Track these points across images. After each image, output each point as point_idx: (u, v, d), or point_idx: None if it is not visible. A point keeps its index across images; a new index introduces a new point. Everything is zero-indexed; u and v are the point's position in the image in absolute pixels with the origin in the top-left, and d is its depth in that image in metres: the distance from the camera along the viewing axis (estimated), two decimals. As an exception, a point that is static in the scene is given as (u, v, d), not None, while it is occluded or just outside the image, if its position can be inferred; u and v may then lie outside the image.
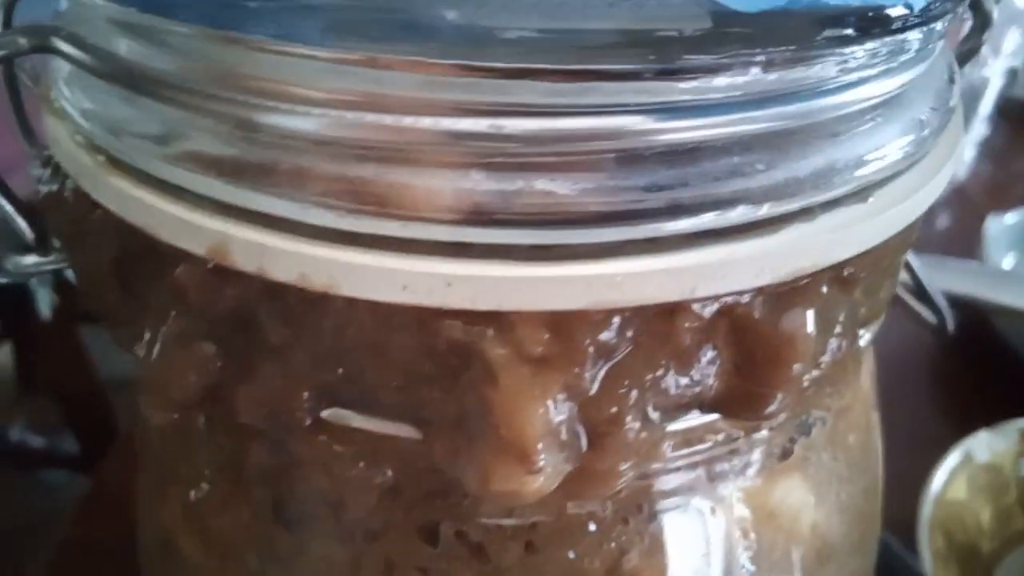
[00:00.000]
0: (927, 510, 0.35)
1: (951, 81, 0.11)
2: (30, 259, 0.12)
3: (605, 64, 0.08)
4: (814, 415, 0.12)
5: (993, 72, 0.60)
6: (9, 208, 0.12)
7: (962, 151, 0.11)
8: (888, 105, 0.09)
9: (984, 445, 0.38)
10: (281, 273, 0.08)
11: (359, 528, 0.11)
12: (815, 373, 0.10)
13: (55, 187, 0.12)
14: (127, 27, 0.09)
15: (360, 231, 0.08)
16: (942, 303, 0.19)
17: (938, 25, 0.10)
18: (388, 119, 0.08)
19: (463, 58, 0.07)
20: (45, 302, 0.92)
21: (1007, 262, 0.54)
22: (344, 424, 0.10)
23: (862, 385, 0.14)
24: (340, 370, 0.09)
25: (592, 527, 0.11)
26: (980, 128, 0.62)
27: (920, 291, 0.18)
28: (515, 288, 0.08)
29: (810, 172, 0.09)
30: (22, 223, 0.12)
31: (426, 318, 0.08)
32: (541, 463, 0.09)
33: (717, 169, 0.08)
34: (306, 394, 0.10)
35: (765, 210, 0.09)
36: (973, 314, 0.37)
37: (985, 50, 0.64)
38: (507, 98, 0.08)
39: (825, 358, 0.10)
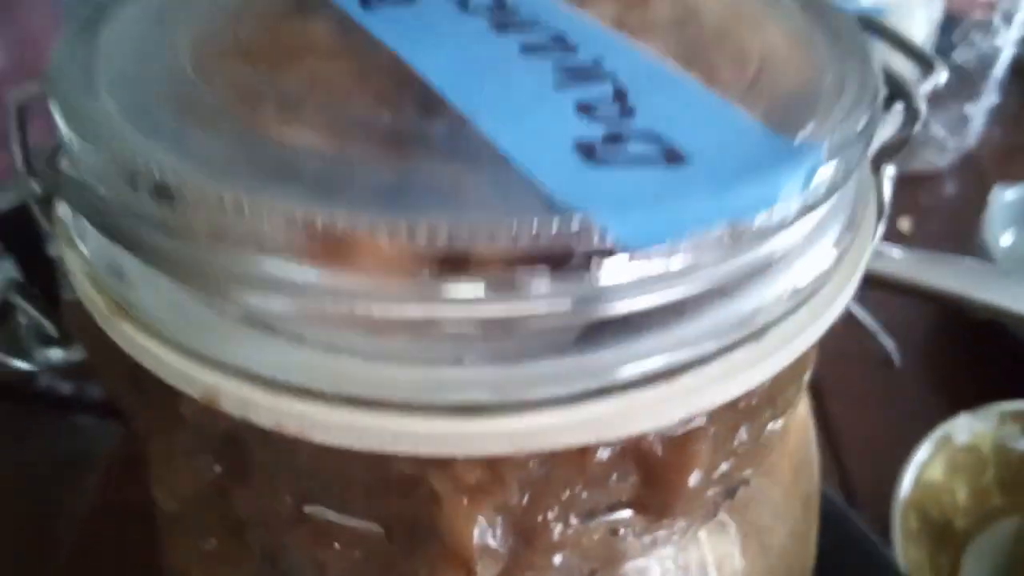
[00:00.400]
0: (903, 491, 0.37)
1: (856, 206, 0.13)
2: (55, 352, 0.14)
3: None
4: (738, 483, 0.14)
5: (1005, 41, 0.59)
6: (35, 312, 0.14)
7: (858, 278, 0.13)
8: (780, 260, 0.11)
9: (964, 427, 0.39)
10: (262, 420, 0.10)
11: (342, 582, 0.14)
12: (721, 470, 0.12)
13: (75, 296, 0.13)
14: (122, 200, 0.11)
15: (325, 391, 0.10)
16: (887, 342, 0.20)
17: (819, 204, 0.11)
18: (343, 306, 0.10)
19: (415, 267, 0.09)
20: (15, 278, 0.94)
21: (1005, 239, 0.54)
22: (321, 518, 0.12)
23: (789, 444, 0.16)
24: (314, 483, 0.11)
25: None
26: (991, 96, 0.61)
27: (867, 333, 0.20)
28: (450, 440, 0.10)
29: (702, 330, 0.10)
30: (47, 324, 0.14)
31: (381, 456, 0.10)
32: (478, 566, 0.11)
33: (614, 339, 0.10)
34: (288, 497, 0.12)
35: (660, 363, 0.10)
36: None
37: (997, 20, 0.64)
38: (443, 295, 0.09)
39: (727, 460, 0.12)
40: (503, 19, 0.13)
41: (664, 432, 0.11)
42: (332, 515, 0.12)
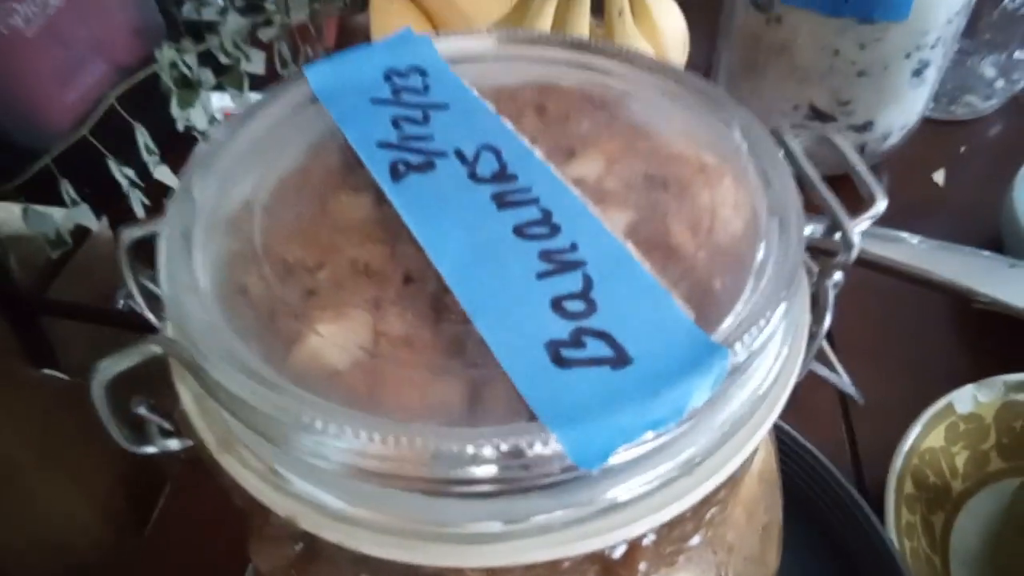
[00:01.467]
0: (898, 462, 0.40)
1: (784, 342, 0.16)
2: (173, 442, 0.19)
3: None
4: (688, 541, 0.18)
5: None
6: (157, 420, 0.18)
7: (777, 412, 0.16)
8: (703, 419, 0.15)
9: (968, 397, 0.42)
10: (329, 536, 0.15)
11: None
12: (669, 550, 0.16)
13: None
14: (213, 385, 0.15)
15: (374, 521, 0.14)
16: (849, 388, 0.24)
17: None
18: (382, 468, 0.14)
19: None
20: (138, 204, 1.00)
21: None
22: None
23: (742, 495, 0.20)
24: (368, 569, 0.16)
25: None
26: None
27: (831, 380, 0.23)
28: (458, 556, 0.14)
29: (648, 478, 0.14)
30: (166, 424, 0.18)
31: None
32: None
33: (585, 495, 0.14)
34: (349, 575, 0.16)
35: (607, 503, 0.14)
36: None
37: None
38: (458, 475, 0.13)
39: (673, 544, 0.16)
40: (503, 190, 0.17)
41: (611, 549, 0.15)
42: (384, 586, 0.16)
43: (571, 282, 0.15)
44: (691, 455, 0.15)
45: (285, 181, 0.18)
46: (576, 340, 0.14)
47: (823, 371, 0.22)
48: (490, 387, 0.14)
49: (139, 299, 0.19)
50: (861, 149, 0.55)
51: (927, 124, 0.61)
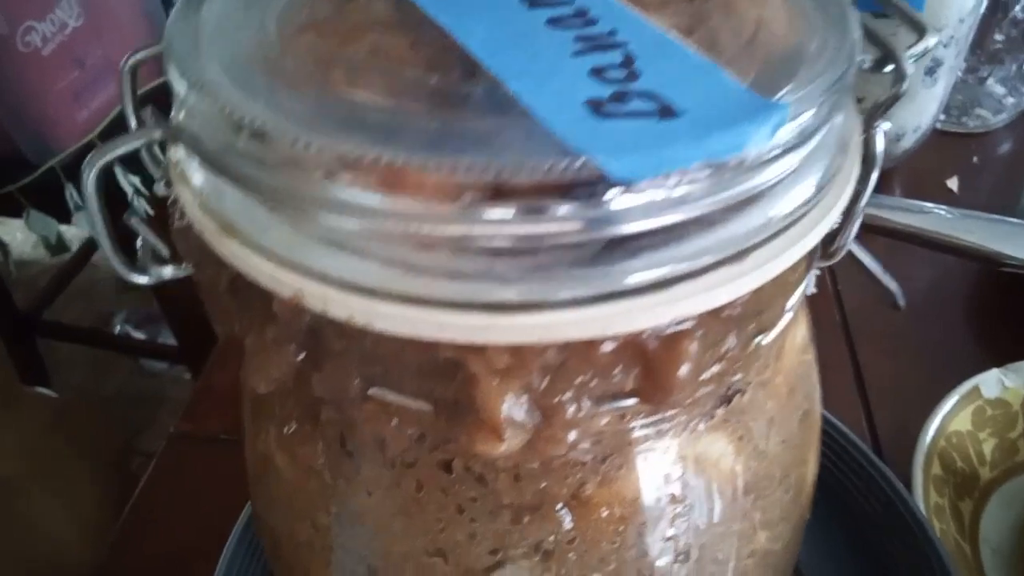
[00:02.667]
0: (926, 441, 0.38)
1: (835, 153, 0.15)
2: (167, 269, 0.17)
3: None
4: (733, 388, 0.17)
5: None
6: (151, 237, 0.17)
7: (842, 206, 0.15)
8: (758, 196, 0.13)
9: (994, 381, 0.41)
10: (337, 313, 0.13)
11: (399, 459, 0.17)
12: (712, 371, 0.15)
13: (184, 223, 0.16)
14: (226, 146, 0.13)
15: (388, 290, 0.13)
16: (891, 284, 0.22)
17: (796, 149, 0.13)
18: (402, 225, 0.12)
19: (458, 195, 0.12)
20: (141, 210, 1.00)
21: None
22: (382, 398, 0.15)
23: (784, 363, 0.18)
24: (377, 368, 0.14)
25: (559, 467, 0.16)
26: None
27: (871, 276, 0.22)
28: (482, 330, 0.13)
29: (692, 252, 0.13)
30: (162, 246, 0.17)
31: (429, 344, 0.13)
32: (506, 435, 0.14)
33: (618, 254, 0.12)
34: (356, 380, 0.15)
35: (656, 276, 0.13)
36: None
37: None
38: (482, 217, 0.12)
39: (718, 363, 0.14)
40: (536, -5, 0.16)
41: (657, 331, 0.13)
42: (391, 396, 0.15)
43: (611, 57, 0.14)
44: (736, 237, 0.13)
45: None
46: (618, 98, 0.13)
47: (865, 258, 0.21)
48: (516, 133, 0.12)
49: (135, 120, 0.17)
50: (875, 149, 0.55)
51: (940, 135, 0.61)
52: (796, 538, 0.22)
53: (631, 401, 0.14)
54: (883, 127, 0.18)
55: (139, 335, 1.38)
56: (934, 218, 0.38)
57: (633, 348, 0.13)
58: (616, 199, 0.12)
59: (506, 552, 0.17)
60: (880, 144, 0.17)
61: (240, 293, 0.16)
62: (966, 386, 0.39)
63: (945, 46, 0.50)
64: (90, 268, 1.30)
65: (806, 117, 0.13)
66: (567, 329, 0.13)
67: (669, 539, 0.17)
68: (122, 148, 0.15)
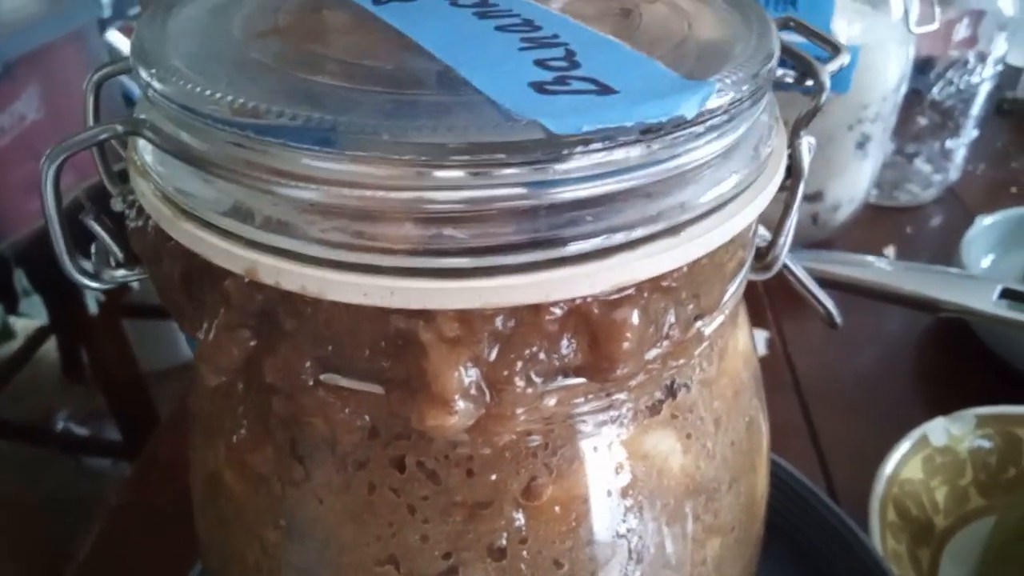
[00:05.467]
0: (880, 487, 0.39)
1: (760, 145, 0.16)
2: (120, 272, 0.17)
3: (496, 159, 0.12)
4: (677, 383, 0.17)
5: (982, 78, 0.63)
6: (106, 237, 0.17)
7: (769, 195, 0.16)
8: (691, 173, 0.14)
9: (941, 429, 0.42)
10: (289, 285, 0.13)
11: (349, 460, 0.16)
12: (654, 351, 0.15)
13: (140, 223, 0.17)
14: (187, 126, 0.14)
15: (338, 260, 0.13)
16: (827, 300, 0.23)
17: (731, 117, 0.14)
18: (356, 193, 0.13)
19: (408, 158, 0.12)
20: (93, 299, 0.98)
21: (985, 262, 0.57)
22: (334, 383, 0.15)
23: (728, 365, 0.19)
24: (330, 347, 0.14)
25: (511, 459, 0.16)
26: (971, 132, 0.65)
27: (806, 290, 0.23)
28: (431, 295, 0.13)
29: (631, 222, 0.13)
30: (116, 248, 0.17)
31: (381, 313, 0.13)
32: (457, 408, 0.14)
33: (561, 221, 0.13)
34: (308, 363, 0.15)
35: (597, 244, 0.13)
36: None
37: (972, 57, 0.67)
38: (432, 182, 0.13)
39: (660, 343, 0.15)
40: (484, 10, 0.17)
41: (600, 297, 0.14)
42: (343, 381, 0.15)
43: (554, 52, 0.15)
44: (671, 210, 0.14)
45: (262, 9, 0.18)
46: (560, 81, 0.14)
47: (801, 274, 0.22)
48: (463, 107, 0.13)
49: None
50: (814, 219, 0.57)
51: (875, 210, 0.64)
52: (751, 556, 0.22)
53: (579, 380, 0.15)
54: (807, 140, 0.19)
55: (82, 431, 1.33)
56: (875, 270, 0.40)
57: (578, 317, 0.14)
58: (558, 163, 0.13)
59: (459, 555, 0.17)
60: (805, 155, 0.19)
61: (193, 285, 0.16)
62: (915, 434, 0.40)
63: (873, 121, 0.54)
64: (33, 364, 1.26)
65: (730, 98, 0.14)
66: (513, 293, 0.13)
67: (621, 537, 0.17)
68: (85, 141, 0.15)
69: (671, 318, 0.15)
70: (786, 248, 0.19)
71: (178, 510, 0.24)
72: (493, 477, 0.16)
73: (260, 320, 0.15)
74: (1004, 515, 0.38)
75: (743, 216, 0.15)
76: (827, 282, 0.41)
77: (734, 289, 0.17)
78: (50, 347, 1.34)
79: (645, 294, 0.14)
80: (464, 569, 0.17)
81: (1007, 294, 0.40)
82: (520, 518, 0.16)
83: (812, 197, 0.56)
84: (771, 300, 0.55)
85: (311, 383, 0.15)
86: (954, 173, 0.65)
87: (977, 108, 0.63)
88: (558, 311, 0.14)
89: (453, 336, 0.13)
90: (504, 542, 0.17)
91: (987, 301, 0.39)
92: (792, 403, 0.48)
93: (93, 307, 0.90)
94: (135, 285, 0.19)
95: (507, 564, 0.17)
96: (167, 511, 0.41)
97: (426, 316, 0.13)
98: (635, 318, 0.14)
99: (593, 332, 0.14)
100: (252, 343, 0.15)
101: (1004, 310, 0.39)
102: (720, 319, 0.17)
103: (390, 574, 0.17)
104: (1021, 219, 0.56)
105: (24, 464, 1.33)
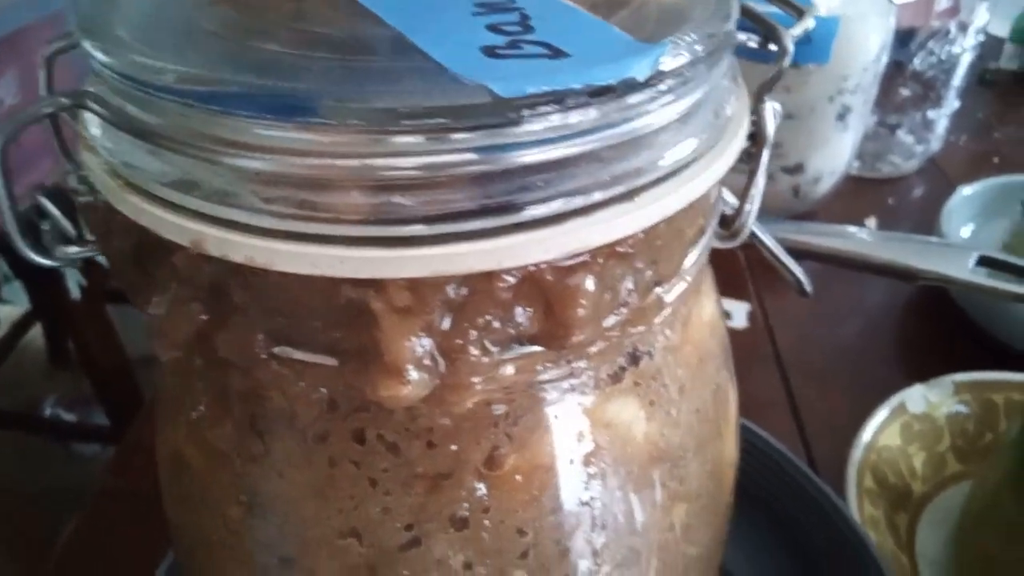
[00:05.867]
0: (857, 453, 0.39)
1: (720, 110, 0.16)
2: (72, 249, 0.17)
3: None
4: (640, 350, 0.17)
5: (964, 48, 0.63)
6: (58, 213, 0.17)
7: (728, 160, 0.16)
8: (647, 137, 0.14)
9: (919, 396, 0.42)
10: (237, 257, 0.13)
11: (309, 433, 0.16)
12: (612, 318, 0.15)
13: (90, 198, 0.16)
14: (132, 97, 0.14)
15: (287, 230, 0.13)
16: (796, 269, 0.23)
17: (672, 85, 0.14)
18: (304, 161, 0.13)
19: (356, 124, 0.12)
20: (75, 284, 0.97)
21: (966, 232, 0.57)
22: (289, 356, 0.15)
23: (692, 333, 0.19)
24: (281, 320, 0.14)
25: (472, 429, 0.16)
26: (953, 103, 0.65)
27: (775, 259, 0.23)
28: (381, 264, 0.13)
29: (585, 187, 0.13)
30: (67, 223, 0.17)
31: (331, 284, 0.13)
32: (410, 377, 0.14)
33: (513, 186, 0.13)
34: (260, 336, 0.14)
35: (551, 210, 0.13)
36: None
37: (954, 27, 0.67)
38: (382, 148, 0.12)
39: (618, 309, 0.15)
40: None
41: (554, 265, 0.14)
42: (297, 354, 0.15)
43: (509, 17, 0.15)
44: (626, 174, 0.14)
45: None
46: (512, 45, 0.14)
47: (770, 243, 0.22)
48: (414, 72, 0.13)
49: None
50: (795, 192, 0.57)
51: (856, 181, 0.64)
52: (719, 524, 0.22)
53: (536, 348, 0.15)
54: (772, 105, 0.19)
55: (70, 417, 1.32)
56: (854, 240, 0.40)
57: (532, 285, 0.14)
58: (509, 127, 0.12)
59: (421, 527, 0.17)
60: (770, 121, 0.18)
61: (144, 260, 0.15)
62: (893, 401, 0.41)
63: (853, 93, 0.54)
64: (18, 352, 1.25)
65: (685, 60, 0.14)
66: (464, 261, 0.13)
67: (585, 504, 0.17)
68: (33, 114, 0.15)
69: (628, 284, 0.15)
70: (752, 215, 0.19)
71: (158, 494, 0.24)
72: (454, 448, 0.16)
73: (211, 294, 0.14)
74: (981, 480, 0.38)
75: (701, 181, 0.15)
76: (808, 253, 0.41)
77: (696, 256, 0.17)
78: (36, 334, 1.34)
79: (600, 260, 0.14)
80: (427, 540, 0.17)
81: (984, 262, 0.40)
82: (482, 488, 0.16)
83: (793, 169, 0.56)
84: (752, 273, 0.55)
85: (265, 356, 0.15)
86: (936, 144, 0.65)
87: (959, 79, 0.63)
88: (511, 278, 0.14)
89: (404, 305, 0.13)
90: (466, 512, 0.16)
91: (964, 269, 0.39)
92: (773, 375, 0.48)
93: (75, 292, 0.90)
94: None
95: (470, 534, 0.17)
96: (150, 495, 0.41)
97: (377, 286, 0.13)
98: (590, 284, 0.14)
99: (548, 299, 0.14)
100: (203, 317, 0.15)
101: (981, 277, 0.39)
102: (682, 286, 0.17)
103: (352, 547, 0.17)
104: (1001, 189, 0.57)
105: (13, 452, 1.33)
